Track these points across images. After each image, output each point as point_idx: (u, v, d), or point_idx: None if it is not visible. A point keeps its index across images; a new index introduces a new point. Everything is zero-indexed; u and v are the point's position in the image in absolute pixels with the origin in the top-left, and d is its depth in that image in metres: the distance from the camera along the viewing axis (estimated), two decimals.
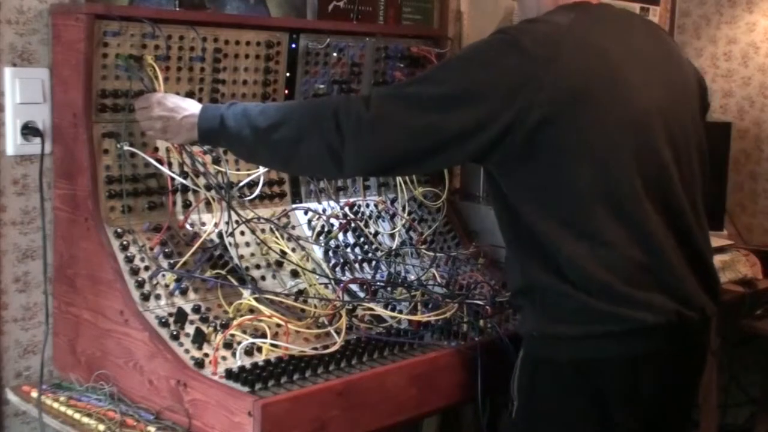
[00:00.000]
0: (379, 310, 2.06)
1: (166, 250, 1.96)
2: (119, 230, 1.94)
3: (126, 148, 1.98)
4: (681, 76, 1.86)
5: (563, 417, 1.73)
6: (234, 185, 2.15)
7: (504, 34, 1.70)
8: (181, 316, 1.85)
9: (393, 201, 2.51)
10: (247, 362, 1.76)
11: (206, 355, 1.77)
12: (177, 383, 1.72)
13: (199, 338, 1.81)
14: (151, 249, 1.95)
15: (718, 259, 2.83)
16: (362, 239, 2.34)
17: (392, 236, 2.42)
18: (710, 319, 1.79)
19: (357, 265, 2.27)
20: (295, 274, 2.13)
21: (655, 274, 1.69)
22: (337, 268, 2.23)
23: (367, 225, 2.38)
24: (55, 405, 1.84)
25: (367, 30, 2.47)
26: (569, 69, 1.64)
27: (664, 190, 1.72)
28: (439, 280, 2.25)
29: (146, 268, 1.91)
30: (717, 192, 3.25)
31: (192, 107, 1.91)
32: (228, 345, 1.80)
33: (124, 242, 1.93)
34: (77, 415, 1.78)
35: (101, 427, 1.73)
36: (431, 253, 2.39)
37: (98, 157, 1.96)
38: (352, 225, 2.34)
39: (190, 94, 2.08)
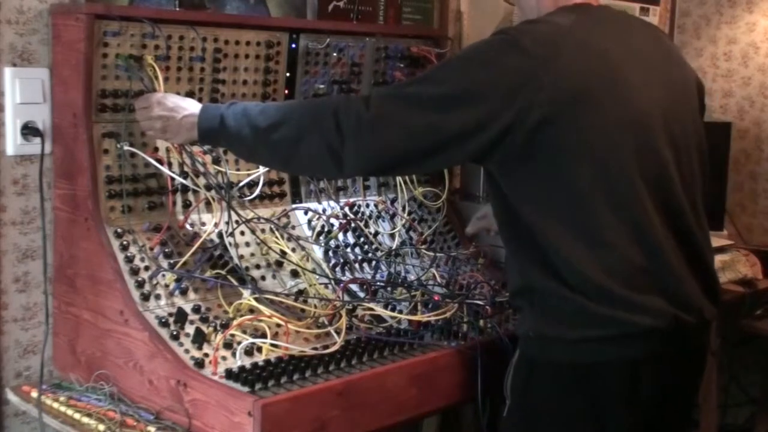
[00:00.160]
0: (379, 310, 2.06)
1: (166, 250, 1.97)
2: (119, 230, 1.94)
3: (126, 148, 1.98)
4: (681, 77, 1.86)
5: (561, 417, 1.72)
6: (234, 185, 2.15)
7: (504, 34, 1.70)
8: (181, 316, 1.85)
9: (393, 201, 2.51)
10: (247, 362, 1.76)
11: (206, 355, 1.77)
12: (177, 383, 1.72)
13: (199, 338, 1.81)
14: (151, 249, 1.95)
15: (718, 259, 2.83)
16: (362, 239, 2.34)
17: (392, 236, 2.42)
18: (709, 321, 1.79)
19: (357, 265, 2.27)
20: (295, 274, 2.13)
21: (655, 277, 1.68)
22: (337, 268, 2.23)
23: (367, 225, 2.38)
24: (55, 405, 1.84)
25: (367, 30, 2.47)
26: (569, 69, 1.64)
27: (664, 191, 1.72)
28: (439, 280, 2.25)
29: (146, 268, 1.91)
30: (717, 192, 3.25)
31: (192, 107, 1.91)
32: (228, 345, 1.80)
33: (124, 242, 1.93)
34: (77, 415, 1.78)
35: (101, 427, 1.73)
36: (431, 253, 2.39)
37: (98, 157, 1.96)
38: (352, 225, 2.34)
39: (190, 94, 2.08)
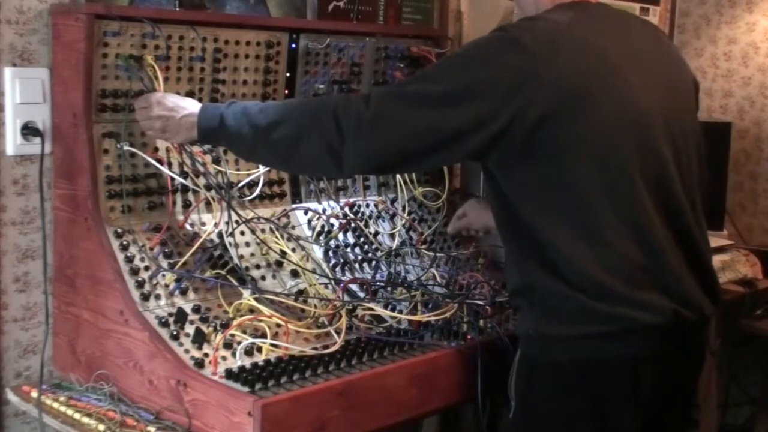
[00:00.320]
0: (379, 310, 2.06)
1: (166, 250, 1.96)
2: (119, 230, 1.94)
3: (126, 148, 1.98)
4: (679, 77, 1.86)
5: (562, 417, 1.72)
6: (234, 185, 2.15)
7: (504, 31, 1.70)
8: (181, 316, 1.85)
9: (393, 201, 2.51)
10: (247, 362, 1.76)
11: (206, 355, 1.77)
12: (177, 383, 1.72)
13: (199, 338, 1.81)
14: (151, 249, 1.95)
15: (718, 259, 2.84)
16: (362, 239, 2.34)
17: (392, 236, 2.42)
18: (709, 319, 1.79)
19: (357, 265, 2.27)
20: (295, 274, 2.13)
21: (654, 274, 1.69)
22: (337, 268, 2.23)
23: (367, 225, 2.38)
24: (55, 405, 1.84)
25: (367, 30, 2.47)
26: (569, 67, 1.64)
27: (664, 190, 1.72)
28: (439, 280, 2.25)
29: (146, 268, 1.91)
30: (717, 192, 3.25)
31: (191, 106, 1.91)
32: (228, 345, 1.80)
33: (124, 242, 1.93)
34: (77, 415, 1.78)
35: (101, 427, 1.73)
36: (431, 253, 2.39)
37: (98, 157, 1.96)
38: (352, 225, 2.34)
39: (190, 94, 2.08)
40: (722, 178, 3.33)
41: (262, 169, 2.16)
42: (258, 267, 2.10)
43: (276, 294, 1.99)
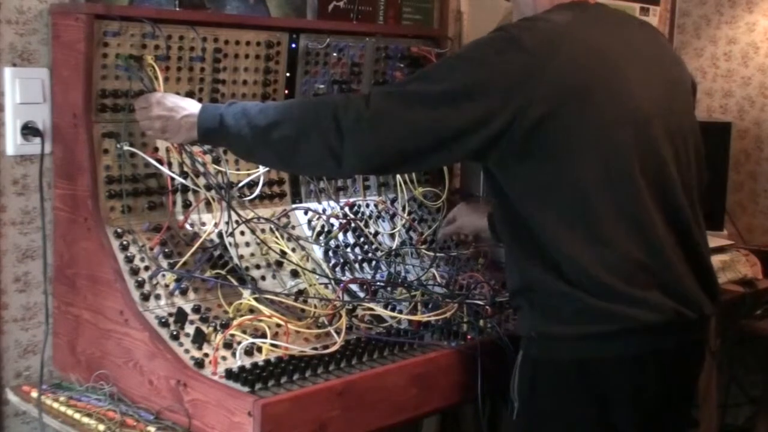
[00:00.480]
0: (379, 310, 2.06)
1: (166, 250, 1.96)
2: (119, 230, 1.94)
3: (126, 148, 1.98)
4: (678, 77, 1.87)
5: (564, 417, 1.73)
6: (234, 185, 2.15)
7: (503, 31, 1.71)
8: (181, 316, 1.85)
9: (393, 201, 2.51)
10: (247, 362, 1.76)
11: (206, 355, 1.77)
12: (177, 383, 1.72)
13: (199, 338, 1.81)
14: (151, 249, 1.95)
15: (718, 259, 2.84)
16: (362, 239, 2.34)
17: (392, 236, 2.42)
18: (708, 318, 1.80)
19: (357, 265, 2.27)
20: (295, 274, 2.13)
21: (655, 273, 1.69)
22: (337, 268, 2.23)
23: (367, 225, 2.38)
24: (55, 405, 1.84)
25: (367, 30, 2.47)
26: (568, 67, 1.64)
27: (664, 188, 1.73)
28: (439, 280, 2.25)
29: (146, 268, 1.91)
30: (717, 192, 3.25)
31: (191, 107, 1.91)
32: (228, 345, 1.80)
33: (124, 242, 1.93)
34: (77, 415, 1.78)
35: (101, 427, 1.73)
36: (431, 253, 2.39)
37: (98, 157, 1.96)
38: (352, 225, 2.34)
39: (190, 94, 2.08)
40: (722, 178, 3.33)
41: (262, 169, 2.16)
42: (258, 267, 2.10)
43: (276, 294, 1.99)
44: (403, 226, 2.45)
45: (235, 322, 1.83)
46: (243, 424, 1.59)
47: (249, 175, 2.17)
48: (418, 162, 1.74)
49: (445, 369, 1.90)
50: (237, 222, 2.08)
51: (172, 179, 2.04)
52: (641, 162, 1.69)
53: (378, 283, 2.20)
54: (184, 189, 2.07)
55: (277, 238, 2.16)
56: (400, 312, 2.07)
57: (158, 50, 2.01)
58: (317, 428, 1.66)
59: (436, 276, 2.26)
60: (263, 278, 2.08)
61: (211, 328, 1.85)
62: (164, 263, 1.94)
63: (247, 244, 2.11)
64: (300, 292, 2.07)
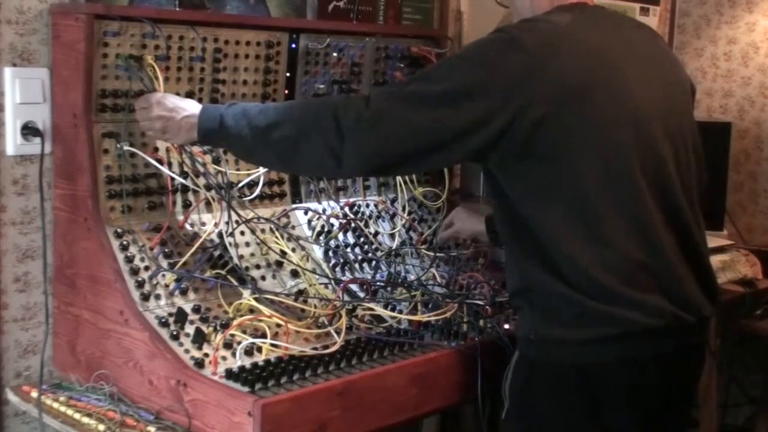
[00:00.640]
0: (379, 310, 2.06)
1: (166, 250, 1.96)
2: (119, 230, 1.94)
3: (126, 148, 1.98)
4: (676, 78, 1.87)
5: (561, 419, 1.72)
6: (234, 185, 2.15)
7: (503, 32, 1.71)
8: (181, 316, 1.85)
9: (393, 201, 2.51)
10: (247, 362, 1.76)
11: (206, 355, 1.77)
12: (177, 383, 1.72)
13: (199, 338, 1.81)
14: (151, 249, 1.95)
15: (718, 259, 2.84)
16: (362, 239, 2.34)
17: (392, 236, 2.42)
18: (708, 319, 1.79)
19: (357, 265, 2.27)
20: (295, 274, 2.13)
21: (655, 275, 1.69)
22: (337, 268, 2.23)
23: (367, 225, 2.38)
24: (55, 405, 1.84)
25: (367, 30, 2.47)
26: (568, 67, 1.65)
27: (663, 189, 1.73)
28: (439, 280, 2.25)
29: (146, 268, 1.91)
30: (717, 192, 3.25)
31: (192, 107, 1.91)
32: (228, 345, 1.80)
33: (124, 242, 1.93)
34: (77, 415, 1.78)
35: (101, 427, 1.73)
36: (431, 253, 2.39)
37: (98, 157, 1.96)
38: (352, 225, 2.34)
39: (190, 94, 2.08)
40: (722, 178, 3.33)
41: (262, 169, 2.16)
42: (258, 267, 2.10)
43: (276, 294, 1.99)
44: (403, 226, 2.45)
45: (235, 322, 1.83)
46: (243, 424, 1.59)
47: (249, 175, 2.17)
48: (418, 163, 1.73)
49: (445, 369, 1.90)
50: (237, 222, 2.08)
51: (172, 179, 2.04)
52: (641, 162, 1.69)
53: (378, 283, 2.20)
54: (184, 189, 2.07)
55: (277, 238, 2.16)
56: (400, 312, 2.07)
57: (158, 50, 2.01)
58: (317, 428, 1.66)
59: (436, 276, 2.26)
60: (263, 278, 2.08)
61: (211, 328, 1.85)
62: (164, 263, 1.94)
63: (247, 244, 2.11)
64: (300, 292, 2.07)
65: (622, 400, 1.70)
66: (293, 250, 2.16)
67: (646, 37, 1.87)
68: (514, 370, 1.78)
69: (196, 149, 2.06)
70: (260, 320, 1.86)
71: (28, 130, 2.01)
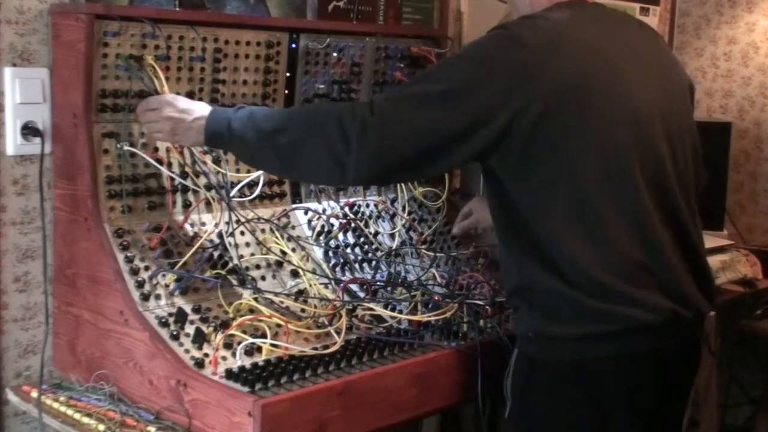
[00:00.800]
0: (379, 310, 2.06)
1: (166, 250, 1.96)
2: (119, 230, 1.94)
3: (126, 148, 1.98)
4: (675, 77, 1.88)
5: (562, 417, 1.73)
6: (234, 185, 2.14)
7: (504, 29, 1.71)
8: (181, 316, 1.85)
9: (393, 201, 2.51)
10: (247, 362, 1.76)
11: (206, 355, 1.77)
12: (177, 383, 1.72)
13: (199, 338, 1.81)
14: (151, 249, 1.95)
15: (718, 259, 2.83)
16: (362, 239, 2.34)
17: (392, 236, 2.42)
18: (704, 317, 1.80)
19: (357, 265, 2.27)
20: (295, 274, 2.13)
21: (654, 273, 1.69)
22: (337, 268, 2.23)
23: (367, 225, 2.38)
24: (55, 405, 1.84)
25: (367, 30, 2.47)
26: (568, 65, 1.65)
27: (662, 188, 1.73)
28: (439, 280, 2.25)
29: (146, 268, 1.91)
30: (717, 192, 3.25)
31: (202, 110, 1.89)
32: (228, 345, 1.80)
33: (124, 242, 1.93)
34: (77, 415, 1.78)
35: (101, 427, 1.73)
36: (431, 253, 2.39)
37: (98, 157, 1.96)
38: (352, 225, 2.34)
39: (190, 94, 2.08)
40: (722, 178, 3.33)
41: None
42: (258, 267, 2.10)
43: (276, 294, 1.99)
44: (403, 226, 2.45)
45: (235, 322, 1.83)
46: (243, 424, 1.59)
47: (249, 175, 2.17)
48: (421, 167, 1.71)
49: (445, 369, 1.90)
50: (237, 222, 2.08)
51: (172, 179, 2.04)
52: (641, 162, 1.69)
53: (378, 283, 2.20)
54: (184, 189, 2.07)
55: (277, 238, 2.16)
56: (400, 312, 2.07)
57: (158, 50, 2.01)
58: (317, 428, 1.66)
59: (436, 276, 2.26)
60: (263, 278, 2.08)
61: (211, 328, 1.85)
62: (164, 263, 1.94)
63: (247, 244, 2.11)
64: (300, 292, 2.07)
65: (622, 396, 1.71)
66: (293, 250, 2.16)
67: (645, 36, 1.87)
68: (514, 369, 1.79)
69: (196, 149, 2.06)
70: (260, 320, 1.86)
71: (28, 130, 2.01)
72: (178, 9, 2.21)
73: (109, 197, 1.96)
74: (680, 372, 1.81)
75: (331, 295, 2.08)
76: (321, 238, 2.26)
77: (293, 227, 2.25)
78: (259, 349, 1.81)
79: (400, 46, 2.51)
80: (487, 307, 2.06)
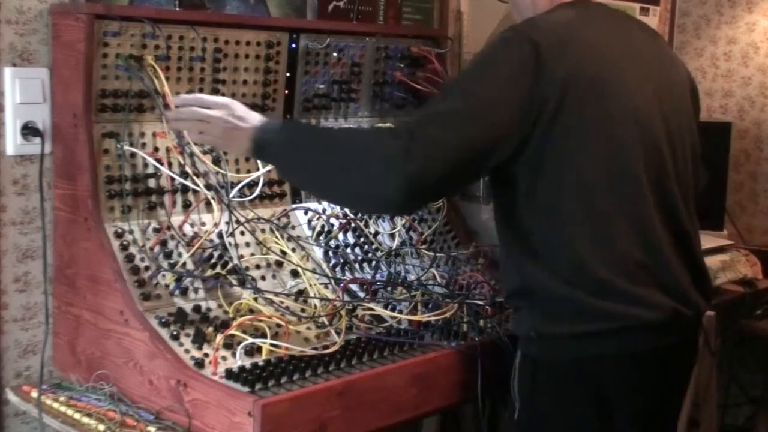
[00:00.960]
0: (379, 310, 2.06)
1: (166, 250, 1.96)
2: (119, 230, 1.94)
3: (126, 148, 1.98)
4: (676, 77, 1.88)
5: (565, 416, 1.73)
6: (234, 185, 2.14)
7: (514, 31, 1.70)
8: (181, 316, 1.85)
9: None
10: (247, 362, 1.76)
11: (206, 355, 1.77)
12: (177, 383, 1.72)
13: (199, 338, 1.81)
14: (151, 249, 1.95)
15: (718, 259, 2.84)
16: (362, 239, 2.34)
17: (392, 236, 2.42)
18: (701, 315, 1.81)
19: (357, 265, 2.27)
20: (295, 274, 2.13)
21: (654, 272, 1.70)
22: (337, 268, 2.23)
23: (367, 225, 2.38)
24: (55, 405, 1.84)
25: (367, 30, 2.47)
26: (577, 65, 1.65)
27: (663, 188, 1.74)
28: (439, 280, 2.25)
29: (146, 268, 1.91)
30: (717, 192, 3.25)
31: (256, 120, 1.82)
32: (228, 345, 1.80)
33: (124, 242, 1.93)
34: (77, 415, 1.78)
35: (101, 427, 1.73)
36: (431, 253, 2.39)
37: (98, 157, 1.96)
38: (352, 225, 2.34)
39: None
40: (722, 178, 3.33)
41: (262, 169, 2.16)
42: (258, 267, 2.10)
43: (276, 294, 1.99)
44: (403, 226, 2.45)
45: (235, 322, 1.83)
46: (243, 424, 1.59)
47: (249, 175, 2.17)
48: (460, 183, 1.69)
49: (445, 369, 1.90)
50: (237, 222, 2.08)
51: (172, 179, 2.04)
52: (645, 161, 1.70)
53: (378, 283, 2.20)
54: (184, 189, 2.07)
55: (277, 238, 2.16)
56: (400, 312, 2.07)
57: (158, 50, 2.01)
58: (317, 428, 1.66)
59: (436, 276, 2.26)
60: (263, 278, 2.08)
61: (211, 328, 1.85)
62: (164, 263, 1.94)
63: (247, 244, 2.11)
64: (300, 292, 2.07)
65: (623, 395, 1.71)
66: (293, 250, 2.16)
67: (647, 36, 1.87)
68: (520, 370, 1.79)
69: (196, 149, 2.06)
70: (260, 320, 1.86)
71: (28, 130, 2.01)
72: (178, 9, 2.21)
73: (109, 197, 1.96)
74: (679, 370, 1.82)
75: (331, 295, 2.09)
76: (321, 238, 2.26)
77: (293, 227, 2.25)
78: (259, 349, 1.81)
79: (400, 46, 2.51)
80: (487, 307, 2.06)
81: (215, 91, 2.14)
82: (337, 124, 2.43)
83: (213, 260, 2.00)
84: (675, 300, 1.71)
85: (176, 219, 2.03)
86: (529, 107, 1.62)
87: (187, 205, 2.07)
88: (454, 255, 2.42)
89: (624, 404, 1.72)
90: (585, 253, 1.65)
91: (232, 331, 1.81)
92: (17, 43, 2.00)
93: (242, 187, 2.16)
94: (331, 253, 2.25)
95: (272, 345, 1.80)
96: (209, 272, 1.97)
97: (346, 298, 2.10)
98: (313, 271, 2.14)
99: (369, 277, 2.24)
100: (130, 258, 1.91)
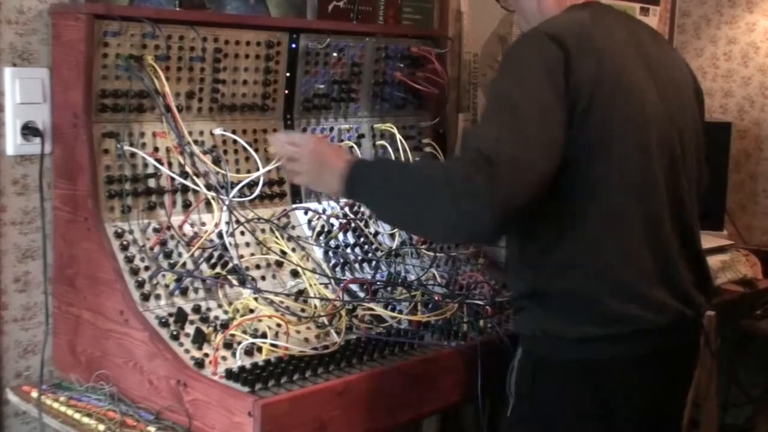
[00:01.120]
0: (379, 310, 2.06)
1: (166, 250, 1.96)
2: (119, 230, 1.94)
3: (126, 148, 1.98)
4: (682, 77, 1.89)
5: (568, 416, 1.73)
6: (234, 185, 2.14)
7: (536, 31, 1.69)
8: (181, 316, 1.85)
9: None
10: (247, 362, 1.76)
11: (206, 355, 1.77)
12: (177, 383, 1.72)
13: (199, 338, 1.81)
14: (151, 249, 1.95)
15: (718, 259, 2.84)
16: (362, 239, 2.34)
17: (392, 236, 2.42)
18: (702, 316, 1.82)
19: (357, 265, 2.27)
20: (295, 274, 2.13)
21: (662, 272, 1.71)
22: (337, 268, 2.23)
23: (367, 225, 2.38)
24: (55, 405, 1.84)
25: (367, 30, 2.48)
26: (598, 64, 1.65)
27: (674, 187, 1.75)
28: (439, 280, 2.25)
29: (146, 268, 1.91)
30: (717, 192, 3.25)
31: (343, 158, 1.82)
32: (228, 345, 1.80)
33: (124, 242, 1.93)
34: (77, 415, 1.78)
35: (101, 427, 1.73)
36: (431, 253, 2.39)
37: (98, 157, 1.96)
38: (352, 225, 2.34)
39: (190, 94, 2.08)
40: (722, 178, 3.33)
41: (262, 169, 2.16)
42: (258, 267, 2.10)
43: (276, 294, 1.99)
44: None
45: (235, 322, 1.83)
46: (243, 424, 1.59)
47: (249, 175, 2.17)
48: (542, 189, 1.62)
49: (445, 369, 1.90)
50: (237, 222, 2.08)
51: (172, 179, 2.04)
52: (661, 159, 1.70)
53: (378, 283, 2.20)
54: (184, 189, 2.07)
55: (277, 238, 2.16)
56: (400, 312, 2.07)
57: (158, 50, 2.01)
58: (317, 428, 1.66)
59: (436, 276, 2.26)
60: (263, 278, 2.08)
61: (211, 328, 1.85)
62: (164, 263, 1.94)
63: (247, 244, 2.11)
64: (300, 292, 2.07)
65: (626, 396, 1.71)
66: (293, 250, 2.16)
67: (651, 37, 1.88)
68: (519, 368, 1.78)
69: (196, 149, 2.06)
70: (260, 320, 1.86)
71: (28, 130, 2.01)
72: (178, 9, 2.21)
73: (109, 197, 1.95)
74: (682, 371, 1.82)
75: (331, 295, 2.09)
76: (321, 238, 2.26)
77: (293, 227, 2.25)
78: (259, 349, 1.81)
79: (400, 46, 2.51)
80: (487, 307, 2.06)
81: (215, 91, 2.14)
82: (337, 124, 2.43)
83: (213, 260, 2.00)
84: (679, 301, 1.72)
85: (176, 219, 2.03)
86: (566, 106, 1.62)
87: (187, 205, 2.07)
88: (454, 255, 2.43)
89: (625, 404, 1.72)
90: (609, 254, 1.66)
91: (232, 331, 1.81)
92: (17, 43, 2.00)
93: (242, 187, 2.16)
94: (331, 253, 2.25)
95: (272, 345, 1.81)
96: (209, 272, 1.97)
97: (346, 298, 2.10)
98: (313, 271, 2.14)
99: (369, 277, 2.24)
100: (130, 258, 1.91)
